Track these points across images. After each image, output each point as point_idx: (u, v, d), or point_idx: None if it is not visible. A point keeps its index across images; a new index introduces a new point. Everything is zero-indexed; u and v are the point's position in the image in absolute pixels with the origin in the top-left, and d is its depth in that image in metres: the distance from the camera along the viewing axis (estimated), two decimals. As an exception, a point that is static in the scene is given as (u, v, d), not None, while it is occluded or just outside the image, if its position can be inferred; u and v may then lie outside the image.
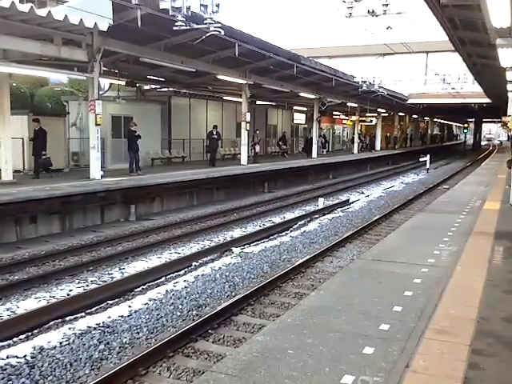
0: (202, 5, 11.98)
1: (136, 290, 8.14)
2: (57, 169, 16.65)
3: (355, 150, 36.41)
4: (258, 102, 30.18)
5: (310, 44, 52.73)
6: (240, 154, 23.18)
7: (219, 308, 6.96)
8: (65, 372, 5.39)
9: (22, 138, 15.76)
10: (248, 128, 22.32)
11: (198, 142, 24.96)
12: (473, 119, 70.71)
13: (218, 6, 12.16)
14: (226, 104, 27.74)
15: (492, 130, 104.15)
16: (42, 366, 5.45)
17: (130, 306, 7.33)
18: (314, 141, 29.89)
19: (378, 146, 41.27)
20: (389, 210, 16.11)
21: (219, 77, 19.74)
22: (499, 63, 12.69)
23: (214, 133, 21.23)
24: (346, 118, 41.25)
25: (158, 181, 15.35)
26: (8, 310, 7.24)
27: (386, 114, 42.90)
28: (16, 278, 8.72)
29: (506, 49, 10.47)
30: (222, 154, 25.36)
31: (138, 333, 6.38)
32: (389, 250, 7.84)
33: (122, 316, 6.90)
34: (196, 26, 12.62)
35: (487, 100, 35.52)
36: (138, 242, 11.56)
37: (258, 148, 25.30)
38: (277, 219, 14.81)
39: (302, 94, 26.98)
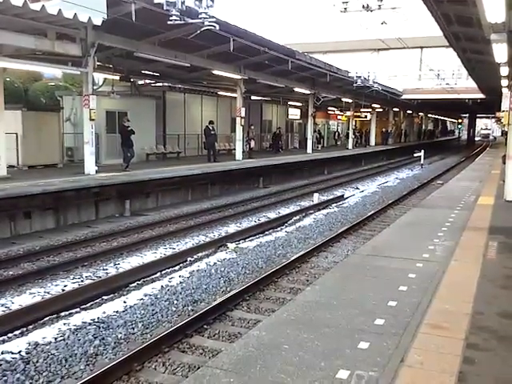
0: (196, -1, 11.95)
1: (131, 285, 8.13)
2: (51, 164, 16.62)
3: (350, 146, 36.44)
4: (253, 98, 30.14)
5: (304, 39, 52.50)
6: (235, 149, 23.16)
7: (214, 303, 6.96)
8: (60, 367, 5.37)
9: (16, 133, 15.67)
10: (243, 123, 22.29)
11: (192, 137, 24.92)
12: (467, 115, 70.83)
13: (212, 0, 12.12)
14: (220, 99, 27.67)
15: (488, 125, 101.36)
16: (37, 362, 5.43)
17: (125, 302, 7.31)
18: (309, 136, 29.90)
19: (372, 142, 41.33)
20: (383, 205, 16.15)
21: (214, 72, 19.69)
22: (493, 58, 12.71)
23: (211, 128, 21.15)
24: (341, 113, 41.25)
25: (152, 176, 15.31)
26: (3, 305, 7.22)
27: (381, 110, 42.94)
28: (10, 273, 8.68)
29: (500, 44, 10.49)
30: (217, 150, 25.30)
31: (133, 328, 6.38)
32: (383, 245, 7.86)
33: (117, 311, 6.89)
34: (190, 21, 12.58)
35: (481, 95, 35.58)
36: (132, 238, 11.53)
37: (252, 143, 25.28)
38: (272, 214, 14.81)
39: (296, 90, 26.95)
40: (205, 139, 21.83)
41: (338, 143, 42.92)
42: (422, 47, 43.99)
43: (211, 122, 21.52)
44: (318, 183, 22.98)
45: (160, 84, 23.64)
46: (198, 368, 4.70)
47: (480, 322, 4.72)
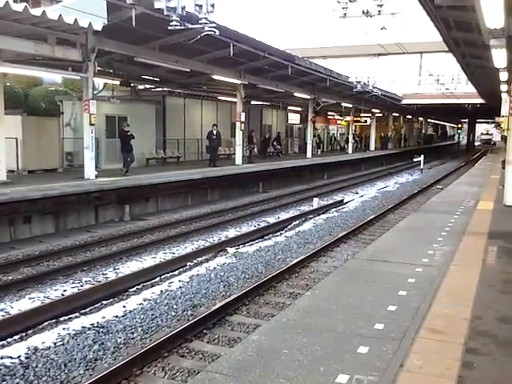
0: (196, 5, 11.97)
1: (130, 290, 8.12)
2: (51, 169, 16.62)
3: (350, 150, 36.48)
4: (253, 102, 30.17)
5: (304, 44, 52.63)
6: (235, 154, 23.18)
7: (214, 308, 6.96)
8: (59, 372, 5.37)
9: (16, 138, 15.68)
10: (243, 128, 22.32)
11: (192, 142, 24.94)
12: (466, 119, 70.86)
13: (212, 5, 12.16)
14: (220, 104, 27.71)
15: (490, 130, 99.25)
16: (37, 367, 5.43)
17: (124, 307, 7.31)
18: (309, 141, 29.95)
19: (372, 147, 41.38)
20: (383, 210, 16.15)
21: (214, 77, 19.71)
22: (493, 64, 12.73)
23: (215, 132, 21.16)
24: (341, 118, 41.30)
25: (152, 181, 15.32)
26: (2, 310, 7.21)
27: (381, 115, 43.00)
28: (10, 278, 8.68)
29: (499, 49, 10.50)
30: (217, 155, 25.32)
31: (133, 333, 6.37)
32: (383, 249, 7.86)
33: (116, 316, 6.89)
34: (191, 26, 12.60)
35: (481, 100, 35.66)
36: (132, 242, 11.53)
37: (255, 149, 25.30)
38: (271, 219, 14.81)
39: (296, 94, 26.98)
40: (208, 143, 21.81)
41: (337, 148, 42.92)
42: (421, 52, 44.05)
43: (215, 126, 21.49)
44: (318, 188, 22.98)
45: (160, 89, 23.68)
46: (198, 373, 4.68)
47: (479, 326, 4.72)
